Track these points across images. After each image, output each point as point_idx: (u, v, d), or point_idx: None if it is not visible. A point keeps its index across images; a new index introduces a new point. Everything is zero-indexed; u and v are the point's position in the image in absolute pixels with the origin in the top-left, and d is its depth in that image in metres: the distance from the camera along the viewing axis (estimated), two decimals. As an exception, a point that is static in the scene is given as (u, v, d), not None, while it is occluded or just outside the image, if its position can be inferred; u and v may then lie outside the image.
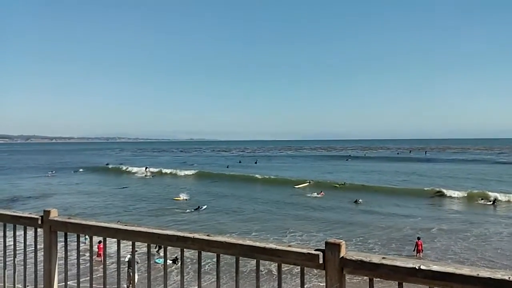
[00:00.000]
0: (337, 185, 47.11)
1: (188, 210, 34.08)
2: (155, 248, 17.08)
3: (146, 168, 71.83)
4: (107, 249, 3.18)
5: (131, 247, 2.94)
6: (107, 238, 3.15)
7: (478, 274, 1.71)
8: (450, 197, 39.04)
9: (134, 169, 72.73)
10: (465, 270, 1.75)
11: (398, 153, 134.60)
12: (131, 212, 33.70)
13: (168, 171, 69.11)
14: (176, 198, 40.01)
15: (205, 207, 34.97)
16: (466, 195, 39.02)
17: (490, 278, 1.69)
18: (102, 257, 3.16)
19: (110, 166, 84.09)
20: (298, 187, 48.20)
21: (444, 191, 40.41)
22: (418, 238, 21.73)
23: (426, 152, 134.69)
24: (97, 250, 18.03)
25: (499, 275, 1.69)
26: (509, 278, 1.66)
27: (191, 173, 66.06)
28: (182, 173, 66.69)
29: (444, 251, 21.64)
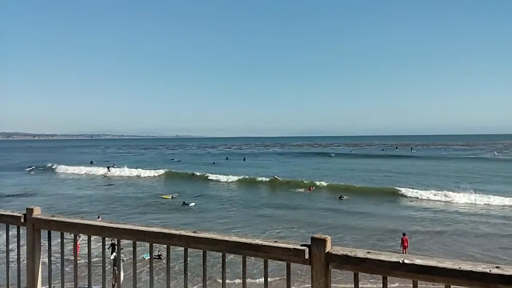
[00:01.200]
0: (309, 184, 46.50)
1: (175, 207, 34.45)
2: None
3: (108, 167, 66.62)
4: (91, 246, 3.14)
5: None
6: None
7: (460, 267, 1.75)
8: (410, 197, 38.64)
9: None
10: (447, 263, 1.79)
11: (383, 149, 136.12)
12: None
13: (132, 171, 63.36)
14: (164, 196, 39.62)
15: (193, 204, 35.08)
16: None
17: (471, 271, 1.73)
18: (75, 255, 3.13)
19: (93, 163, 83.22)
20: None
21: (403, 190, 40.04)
22: (404, 234, 21.85)
23: (412, 148, 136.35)
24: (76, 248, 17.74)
25: (480, 268, 1.73)
26: (490, 270, 1.70)
27: (158, 174, 60.93)
28: (148, 173, 61.26)
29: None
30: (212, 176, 54.77)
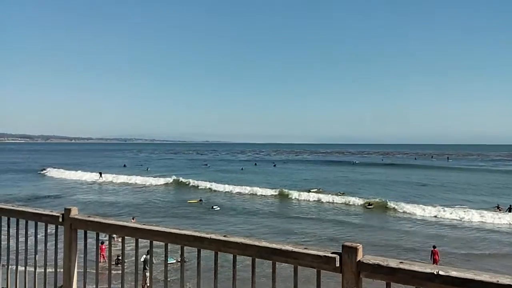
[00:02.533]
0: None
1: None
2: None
3: (100, 173, 64.03)
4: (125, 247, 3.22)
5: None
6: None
7: (498, 281, 1.69)
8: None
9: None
10: (485, 277, 1.73)
11: (415, 158, 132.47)
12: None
13: (129, 178, 59.22)
14: (191, 201, 40.79)
15: (218, 208, 36.86)
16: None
17: (510, 285, 1.66)
18: (106, 258, 3.21)
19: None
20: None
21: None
22: (434, 247, 21.17)
23: (448, 158, 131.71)
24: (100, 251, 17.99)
25: (520, 282, 1.66)
26: (530, 285, 1.63)
27: (162, 183, 57.01)
28: (152, 181, 57.25)
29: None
30: (219, 187, 50.85)
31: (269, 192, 45.87)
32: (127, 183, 57.55)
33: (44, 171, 71.99)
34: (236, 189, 48.69)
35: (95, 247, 3.41)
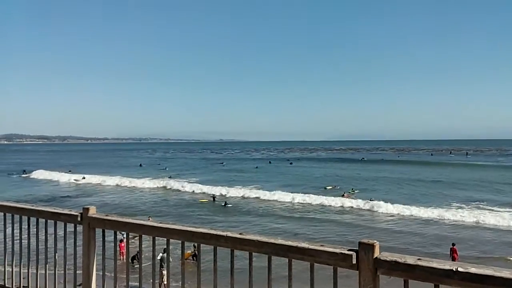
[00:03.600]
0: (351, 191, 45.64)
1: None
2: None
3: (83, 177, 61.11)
4: (142, 245, 3.26)
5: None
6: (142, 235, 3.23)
7: (519, 277, 1.66)
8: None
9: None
10: (505, 273, 1.70)
11: (432, 154, 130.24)
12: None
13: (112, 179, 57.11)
14: (202, 200, 41.02)
15: (230, 205, 37.59)
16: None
17: (531, 281, 1.63)
18: (125, 256, 3.25)
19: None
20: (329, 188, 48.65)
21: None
22: (453, 245, 20.77)
23: (467, 153, 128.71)
24: (119, 249, 18.27)
25: (542, 278, 1.63)
26: (553, 282, 1.60)
27: (154, 186, 52.48)
28: (140, 183, 53.81)
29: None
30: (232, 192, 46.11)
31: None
32: (122, 185, 54.62)
33: (27, 174, 69.04)
34: (253, 193, 44.52)
35: (113, 245, 3.46)
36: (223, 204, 37.83)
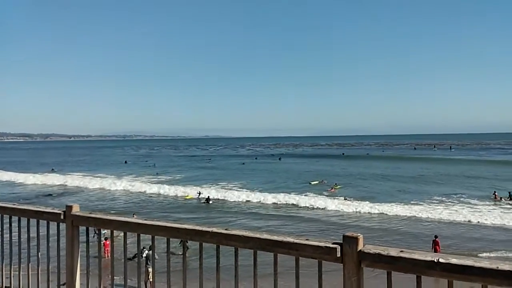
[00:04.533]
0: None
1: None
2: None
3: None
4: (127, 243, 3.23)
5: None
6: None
7: (497, 267, 1.70)
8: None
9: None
10: (484, 263, 1.74)
11: (415, 148, 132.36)
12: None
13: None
14: (188, 197, 41.10)
15: (211, 201, 38.02)
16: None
17: (510, 270, 1.68)
18: (109, 254, 3.22)
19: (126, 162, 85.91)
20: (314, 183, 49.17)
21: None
22: (436, 237, 21.18)
23: (451, 147, 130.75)
24: (103, 247, 17.74)
25: (519, 268, 1.68)
26: (530, 270, 1.65)
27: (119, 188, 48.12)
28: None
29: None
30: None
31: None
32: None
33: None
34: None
35: (97, 243, 3.43)
36: (205, 201, 37.93)
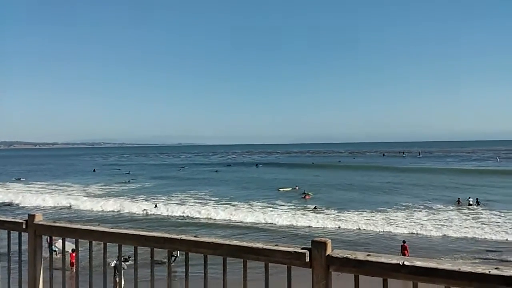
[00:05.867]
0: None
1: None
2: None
3: None
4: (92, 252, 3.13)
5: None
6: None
7: (459, 269, 1.76)
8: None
9: None
10: (447, 265, 1.80)
11: (383, 155, 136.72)
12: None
13: None
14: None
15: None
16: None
17: (471, 272, 1.73)
18: (75, 267, 3.11)
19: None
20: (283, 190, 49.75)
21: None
22: (404, 242, 21.72)
23: (419, 153, 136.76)
24: (70, 259, 17.19)
25: (479, 269, 1.74)
26: (489, 272, 1.71)
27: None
28: None
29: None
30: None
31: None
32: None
33: None
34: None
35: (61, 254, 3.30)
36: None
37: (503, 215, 31.59)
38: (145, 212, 37.14)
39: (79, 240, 3.17)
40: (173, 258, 16.14)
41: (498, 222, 29.38)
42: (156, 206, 38.68)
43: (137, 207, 39.23)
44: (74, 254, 16.59)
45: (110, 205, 40.02)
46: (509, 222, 29.11)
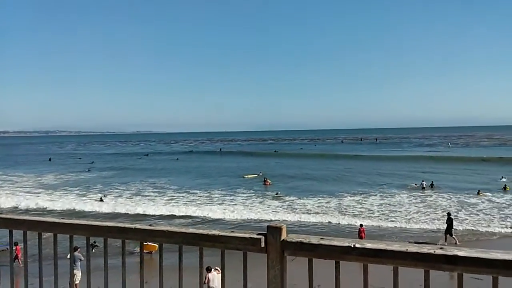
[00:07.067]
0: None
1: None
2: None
3: None
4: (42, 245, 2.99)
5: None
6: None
7: (407, 249, 1.83)
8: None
9: None
10: (395, 246, 1.86)
11: (342, 142, 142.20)
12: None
13: None
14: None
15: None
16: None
17: (417, 252, 1.81)
18: (21, 261, 2.97)
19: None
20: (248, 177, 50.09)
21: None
22: (361, 225, 22.56)
23: (376, 139, 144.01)
24: (16, 253, 15.88)
25: (425, 249, 1.82)
26: (434, 251, 1.79)
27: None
28: None
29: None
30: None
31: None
32: None
33: None
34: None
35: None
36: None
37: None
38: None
39: (27, 232, 3.01)
40: (92, 247, 15.69)
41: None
42: (102, 200, 35.83)
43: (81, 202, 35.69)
44: (18, 247, 15.59)
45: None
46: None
